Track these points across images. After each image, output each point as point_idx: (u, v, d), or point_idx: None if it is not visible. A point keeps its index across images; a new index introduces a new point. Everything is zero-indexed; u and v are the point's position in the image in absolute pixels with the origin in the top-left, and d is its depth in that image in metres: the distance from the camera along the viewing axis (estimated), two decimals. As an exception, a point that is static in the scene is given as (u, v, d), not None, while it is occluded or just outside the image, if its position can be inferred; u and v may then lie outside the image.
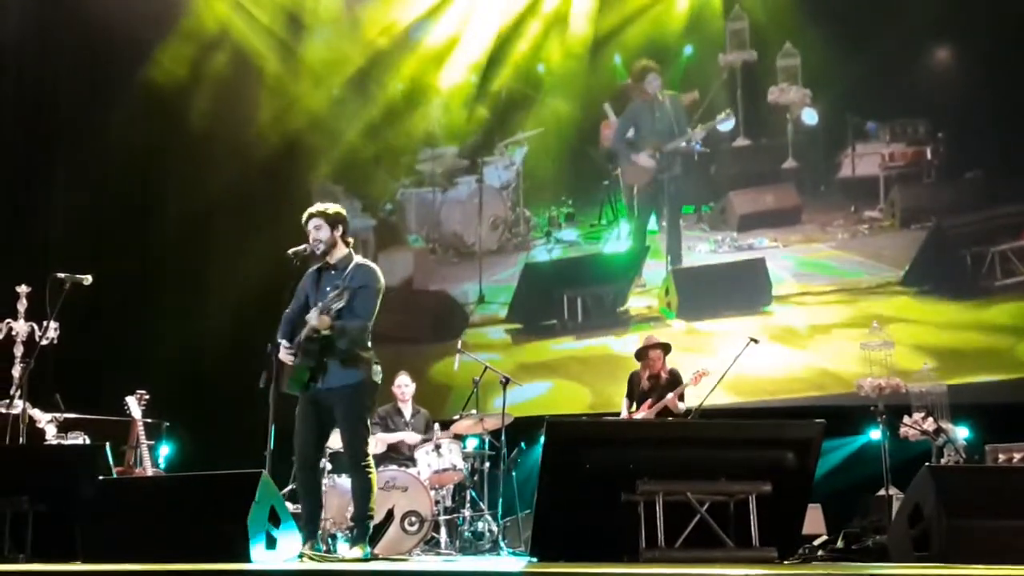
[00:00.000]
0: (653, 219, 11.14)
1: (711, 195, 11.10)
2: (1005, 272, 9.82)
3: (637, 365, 8.78)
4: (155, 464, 8.08)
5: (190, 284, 11.47)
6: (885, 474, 7.72)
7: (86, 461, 6.26)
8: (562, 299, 11.10)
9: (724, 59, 11.08)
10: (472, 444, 9.11)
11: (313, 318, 6.09)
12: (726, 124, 10.92)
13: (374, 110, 11.89)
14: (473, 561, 7.81)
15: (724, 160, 11.05)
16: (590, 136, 11.53)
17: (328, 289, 6.24)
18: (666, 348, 8.66)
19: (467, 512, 8.61)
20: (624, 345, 10.53)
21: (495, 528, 8.46)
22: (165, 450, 8.88)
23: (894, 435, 8.04)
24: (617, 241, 11.27)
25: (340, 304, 6.05)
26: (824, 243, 10.56)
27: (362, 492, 6.32)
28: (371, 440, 8.43)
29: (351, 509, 6.63)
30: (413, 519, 8.14)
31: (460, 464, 8.52)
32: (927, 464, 6.51)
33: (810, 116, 10.71)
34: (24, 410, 7.46)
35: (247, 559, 5.32)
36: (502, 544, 8.24)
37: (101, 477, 6.07)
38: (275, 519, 5.65)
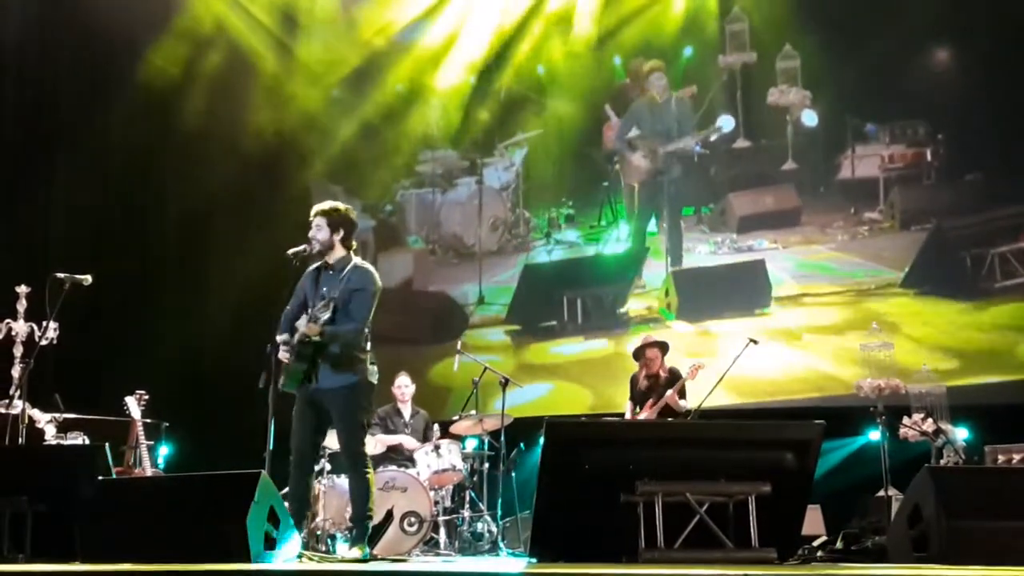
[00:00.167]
0: (653, 221, 11.15)
1: (711, 196, 11.11)
2: (1005, 274, 9.82)
3: (636, 366, 8.78)
4: (154, 464, 8.08)
5: (190, 284, 11.47)
6: (884, 475, 7.71)
7: (86, 461, 6.25)
8: (562, 300, 11.11)
9: (724, 61, 11.09)
10: (471, 445, 9.11)
11: (302, 325, 6.13)
12: (726, 125, 10.94)
13: (373, 110, 11.89)
14: (472, 562, 7.81)
15: (724, 161, 11.06)
16: (590, 137, 11.53)
17: (324, 290, 6.28)
18: (663, 347, 8.65)
19: (466, 513, 8.61)
20: (624, 346, 10.53)
21: (494, 529, 8.46)
22: (164, 450, 8.87)
23: (893, 436, 8.04)
24: (617, 242, 11.27)
25: (327, 315, 6.10)
26: (824, 244, 10.56)
27: (360, 493, 6.34)
28: (371, 441, 8.50)
29: (350, 510, 6.63)
30: (412, 519, 8.14)
31: (459, 465, 8.52)
32: (926, 465, 6.50)
33: (810, 118, 10.71)
34: (24, 410, 7.45)
35: (247, 559, 5.31)
36: (501, 545, 8.24)
37: (100, 477, 6.07)
38: (274, 519, 5.64)
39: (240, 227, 11.34)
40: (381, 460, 8.69)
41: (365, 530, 6.33)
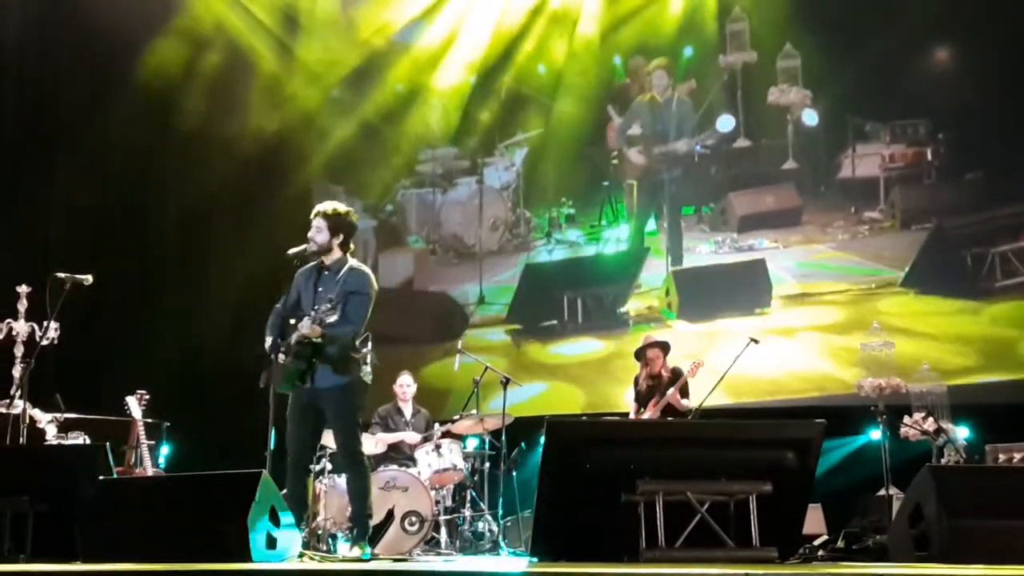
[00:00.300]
0: (652, 220, 11.14)
1: (711, 196, 11.10)
2: (1005, 273, 9.82)
3: (637, 365, 8.78)
4: (155, 464, 8.08)
5: (190, 284, 11.47)
6: (885, 474, 7.71)
7: (86, 461, 6.25)
8: (562, 300, 11.11)
9: (724, 60, 11.09)
10: (472, 444, 9.11)
11: (305, 327, 6.14)
12: (726, 125, 10.94)
13: (373, 110, 11.90)
14: (473, 561, 7.81)
15: (724, 161, 11.05)
16: (591, 137, 11.53)
17: (320, 291, 6.32)
18: (665, 347, 8.65)
19: (467, 512, 8.61)
20: (624, 346, 10.54)
21: (495, 528, 8.45)
22: (165, 450, 8.87)
23: (894, 435, 8.03)
24: (618, 242, 11.27)
25: (333, 317, 6.09)
26: (824, 244, 10.56)
27: (358, 491, 6.37)
28: (372, 440, 8.52)
29: (350, 509, 6.64)
30: (413, 519, 8.14)
31: (460, 464, 8.52)
32: (927, 464, 6.50)
33: (810, 117, 10.71)
34: (24, 410, 7.46)
35: (247, 559, 5.31)
36: (502, 544, 8.24)
37: (101, 477, 6.06)
38: (275, 519, 5.64)
39: (240, 227, 11.33)
40: (382, 459, 8.70)
41: (365, 529, 6.35)
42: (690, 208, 11.13)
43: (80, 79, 11.51)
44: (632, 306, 10.99)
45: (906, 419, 8.12)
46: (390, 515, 8.05)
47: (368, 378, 6.44)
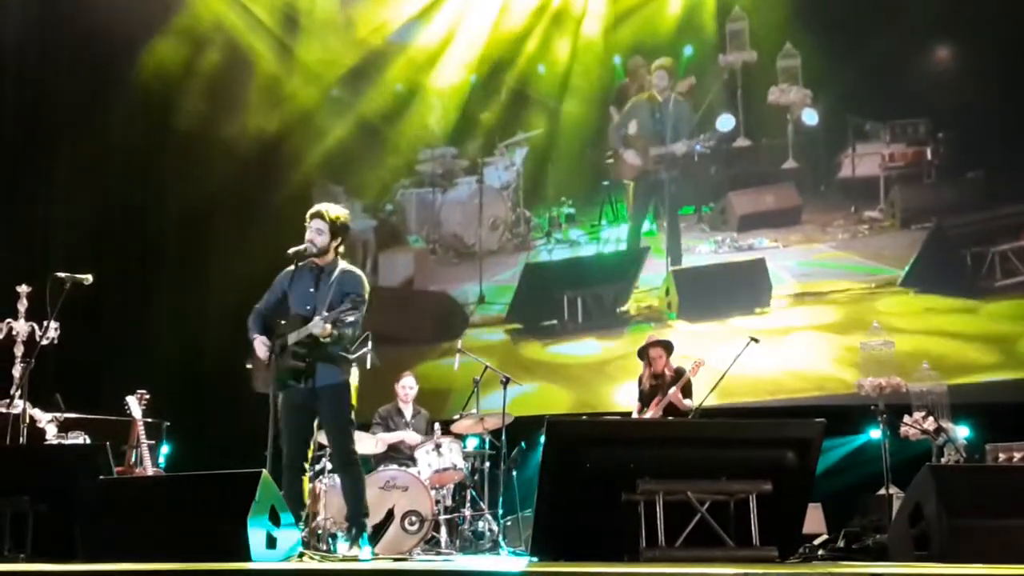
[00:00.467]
0: (649, 219, 11.14)
1: (711, 195, 11.10)
2: (1005, 272, 9.81)
3: (638, 364, 8.77)
4: (155, 464, 8.08)
5: (190, 284, 11.47)
6: (885, 473, 7.71)
7: (86, 461, 6.26)
8: (562, 300, 11.11)
9: (724, 59, 11.08)
10: (472, 444, 9.11)
11: (318, 327, 6.15)
12: (725, 125, 10.94)
13: (372, 110, 11.90)
14: (473, 561, 7.81)
15: (724, 160, 11.05)
16: (591, 136, 11.53)
17: (312, 291, 6.34)
18: (668, 346, 8.63)
19: (467, 512, 8.61)
20: (624, 345, 10.54)
21: (495, 528, 8.45)
22: (165, 450, 8.87)
23: (894, 434, 8.03)
24: (618, 242, 11.27)
25: (352, 318, 6.10)
26: (824, 243, 10.55)
27: (354, 490, 6.40)
28: (372, 440, 8.52)
29: (347, 509, 6.64)
30: (413, 519, 8.14)
31: (460, 464, 8.52)
32: (928, 463, 6.50)
33: (810, 116, 10.71)
34: (24, 410, 7.46)
35: (247, 559, 5.31)
36: (502, 544, 8.24)
37: (101, 477, 6.07)
38: (275, 519, 5.64)
39: (240, 227, 11.33)
40: (382, 459, 8.70)
41: (363, 527, 6.36)
42: (690, 208, 11.12)
43: (80, 79, 11.51)
44: (632, 306, 10.99)
45: (906, 418, 8.12)
46: (390, 515, 8.05)
47: (355, 379, 6.47)
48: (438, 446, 8.49)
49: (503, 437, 8.67)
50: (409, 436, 8.90)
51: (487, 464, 8.91)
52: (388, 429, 8.99)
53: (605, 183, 11.45)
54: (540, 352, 11.09)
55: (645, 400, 8.56)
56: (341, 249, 6.57)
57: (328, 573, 5.68)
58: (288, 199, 11.18)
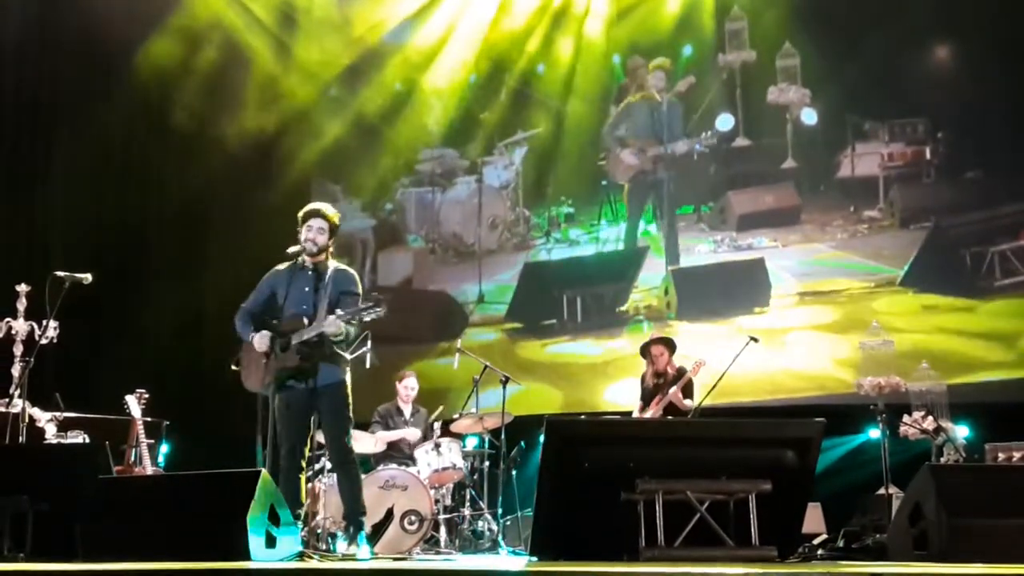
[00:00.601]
0: (645, 220, 11.14)
1: (710, 195, 11.11)
2: (1004, 272, 9.82)
3: (638, 364, 8.76)
4: (155, 463, 8.08)
5: (190, 283, 11.45)
6: (885, 473, 7.71)
7: (86, 460, 6.26)
8: (562, 299, 11.11)
9: (723, 59, 11.09)
10: (472, 443, 9.11)
11: (331, 325, 6.16)
12: (723, 125, 10.95)
13: (372, 109, 11.90)
14: (473, 560, 7.80)
15: (723, 160, 11.05)
16: (590, 136, 11.52)
17: (308, 290, 6.35)
18: (670, 344, 8.61)
19: (467, 511, 8.61)
20: (624, 344, 10.54)
21: (495, 527, 8.45)
22: (165, 449, 8.86)
23: (894, 434, 8.04)
24: (617, 241, 11.27)
25: (372, 316, 6.10)
26: (824, 243, 10.56)
27: (352, 489, 6.42)
28: (372, 439, 8.52)
29: (344, 508, 6.64)
30: (413, 518, 8.13)
31: (460, 463, 8.51)
32: (927, 463, 6.51)
33: (809, 116, 10.72)
34: (24, 409, 7.45)
35: (247, 558, 5.31)
36: (502, 543, 8.23)
37: (101, 476, 6.06)
38: (274, 518, 5.64)
39: (238, 225, 11.33)
40: (382, 458, 8.70)
41: (360, 526, 6.37)
42: (689, 207, 11.13)
43: (79, 78, 11.50)
44: (631, 305, 10.99)
45: (906, 418, 8.13)
46: (389, 514, 8.05)
47: (349, 378, 6.49)
48: (437, 445, 8.49)
49: (503, 436, 8.66)
50: (410, 433, 8.91)
51: (487, 463, 8.90)
52: (387, 428, 8.99)
53: (604, 183, 11.45)
54: (539, 352, 11.09)
55: (647, 398, 8.55)
56: (331, 248, 6.60)
57: (328, 573, 5.68)
58: (286, 197, 11.15)
